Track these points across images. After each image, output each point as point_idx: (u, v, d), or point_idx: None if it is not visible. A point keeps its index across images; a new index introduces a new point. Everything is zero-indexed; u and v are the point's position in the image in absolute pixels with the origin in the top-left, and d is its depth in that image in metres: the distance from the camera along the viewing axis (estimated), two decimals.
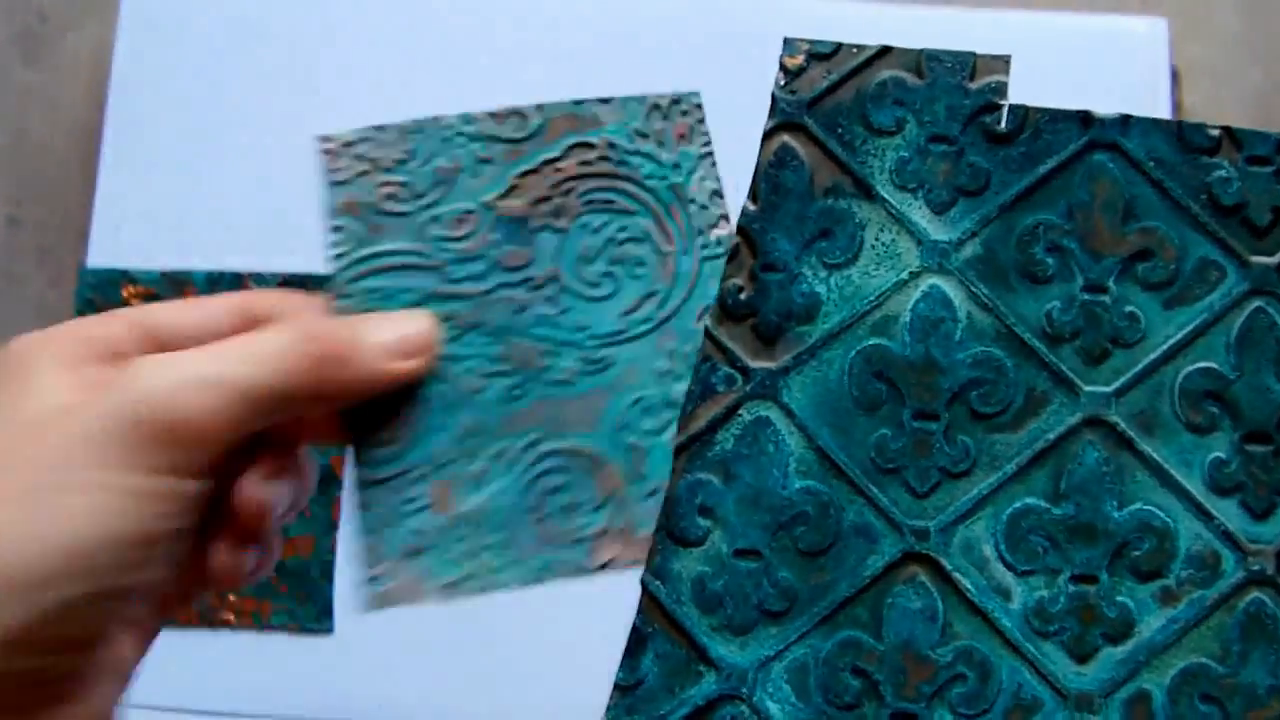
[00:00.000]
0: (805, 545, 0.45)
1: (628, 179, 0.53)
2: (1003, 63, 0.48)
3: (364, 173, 0.53)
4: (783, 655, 0.45)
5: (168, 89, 0.78)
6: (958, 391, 0.46)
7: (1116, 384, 0.46)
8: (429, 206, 0.53)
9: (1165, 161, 0.47)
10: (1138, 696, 0.44)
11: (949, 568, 0.45)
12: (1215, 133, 0.47)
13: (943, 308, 0.46)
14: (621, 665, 0.45)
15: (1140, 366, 0.46)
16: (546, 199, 0.52)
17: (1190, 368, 0.46)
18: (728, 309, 0.47)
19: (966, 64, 0.48)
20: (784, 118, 0.48)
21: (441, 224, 0.53)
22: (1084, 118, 0.47)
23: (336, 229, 0.53)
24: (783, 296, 0.47)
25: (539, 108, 0.54)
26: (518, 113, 0.54)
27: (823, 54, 0.49)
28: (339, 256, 0.52)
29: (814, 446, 0.46)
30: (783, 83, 0.48)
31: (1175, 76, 0.72)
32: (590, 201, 0.53)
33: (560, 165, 0.52)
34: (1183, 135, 0.47)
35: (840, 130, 0.48)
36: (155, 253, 0.76)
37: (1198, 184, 0.47)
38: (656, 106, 0.53)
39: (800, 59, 0.49)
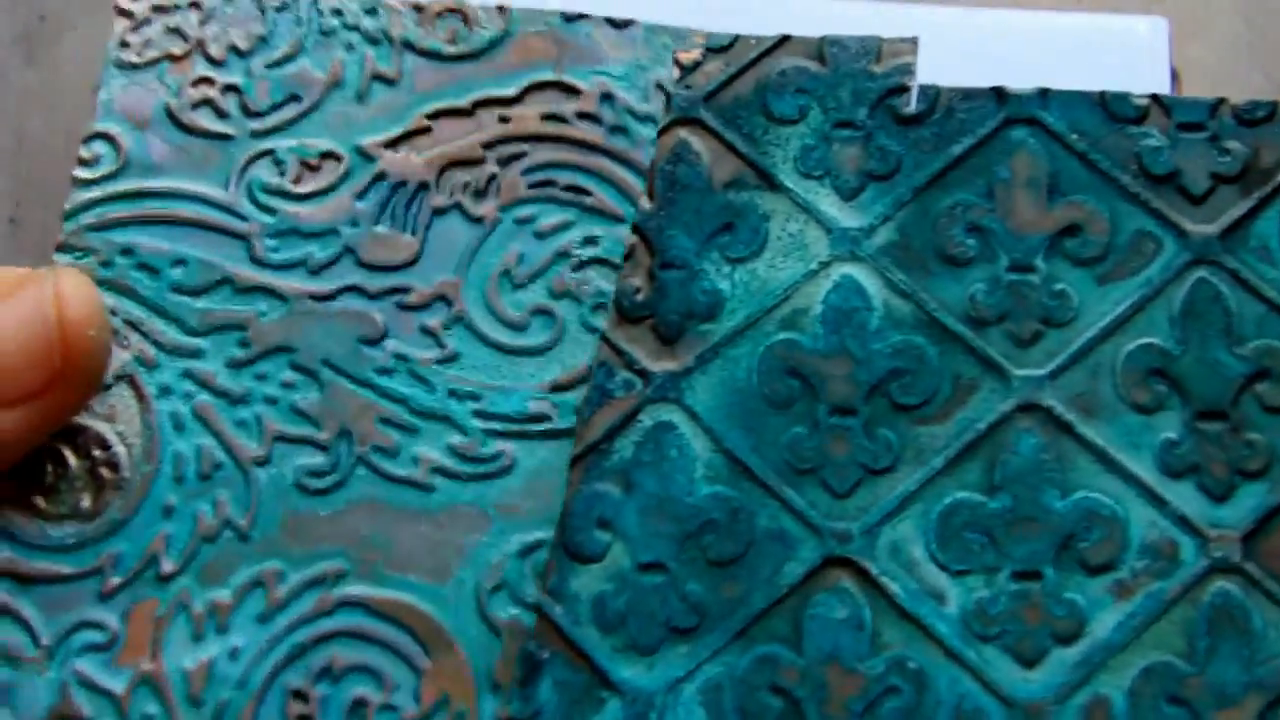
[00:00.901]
0: (715, 555, 0.41)
1: (621, 159, 0.47)
2: (909, 44, 0.45)
3: (173, 57, 0.45)
4: (694, 675, 0.40)
5: None
6: (876, 384, 0.42)
7: (1050, 366, 0.42)
8: (268, 133, 0.46)
9: (1089, 134, 0.44)
10: (1095, 702, 0.39)
11: (875, 572, 0.40)
12: (1142, 101, 0.44)
13: (857, 297, 0.43)
14: (514, 696, 0.40)
15: (1076, 346, 0.42)
16: (470, 163, 0.46)
17: (1131, 345, 0.42)
18: (624, 311, 0.43)
19: (871, 48, 0.45)
20: (679, 113, 0.45)
21: (280, 166, 0.46)
22: (999, 93, 0.44)
23: (97, 137, 0.45)
24: (683, 295, 0.43)
25: (500, 10, 0.47)
26: (461, 12, 0.47)
27: (720, 46, 0.46)
28: (85, 184, 0.45)
29: (722, 449, 0.41)
30: (677, 78, 0.45)
31: (1175, 76, 0.70)
32: (543, 184, 0.46)
33: (510, 113, 0.46)
34: (1107, 106, 0.44)
35: (740, 122, 0.45)
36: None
37: (1126, 154, 0.43)
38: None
39: (696, 53, 0.46)
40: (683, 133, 0.45)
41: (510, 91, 0.45)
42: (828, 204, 0.44)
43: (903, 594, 0.41)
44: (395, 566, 0.43)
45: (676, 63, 0.46)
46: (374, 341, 0.43)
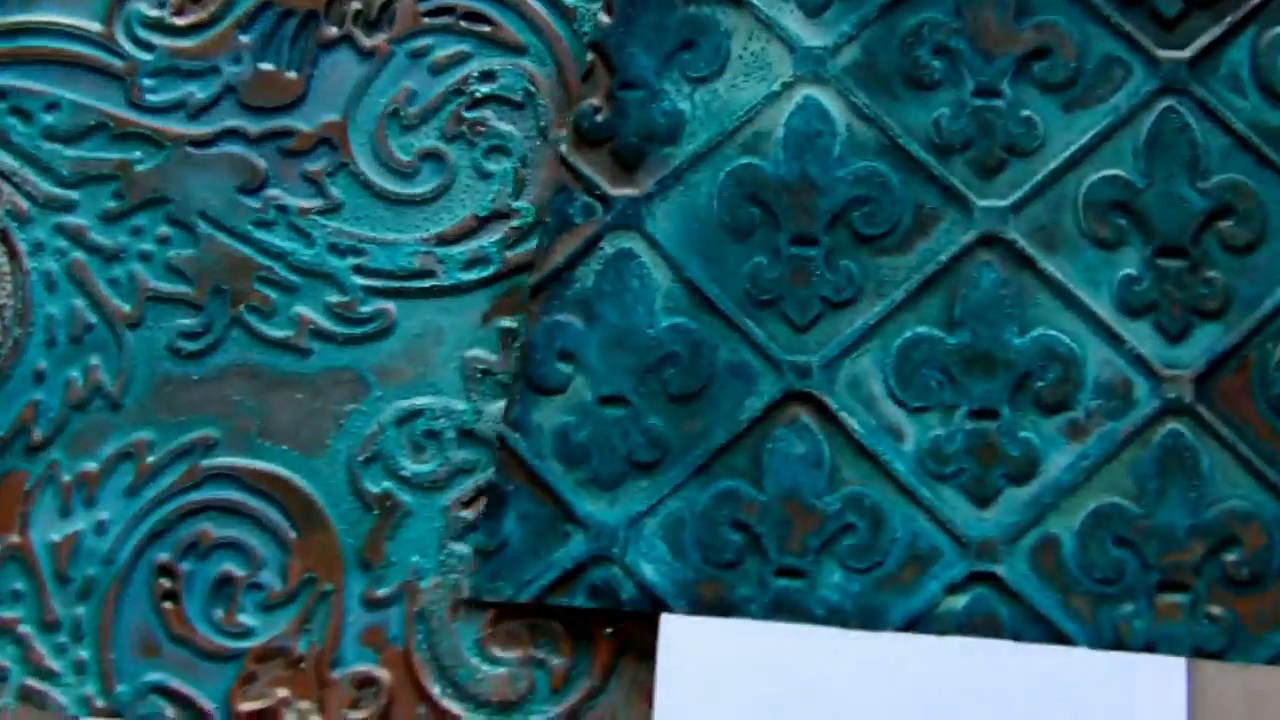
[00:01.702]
0: (676, 389, 0.41)
1: None
2: None
3: None
4: (655, 510, 0.40)
5: None
6: (838, 213, 0.41)
7: (1013, 197, 0.41)
8: None
9: None
10: (1044, 542, 0.40)
11: (834, 407, 0.40)
12: None
13: (819, 120, 0.42)
14: (481, 528, 0.40)
15: (1039, 177, 0.41)
16: None
17: (1095, 176, 0.41)
18: (583, 133, 0.42)
19: None
20: None
21: None
22: None
23: None
24: (643, 116, 0.42)
25: None
26: None
27: None
28: None
29: (682, 279, 0.41)
30: None
31: None
32: (441, 12, 0.44)
33: None
34: None
35: None
36: None
37: None
38: None
39: None
40: None
41: None
42: (791, 20, 0.43)
43: (861, 430, 0.41)
44: (268, 436, 0.42)
45: None
46: (253, 190, 0.42)
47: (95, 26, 0.42)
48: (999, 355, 0.41)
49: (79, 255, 0.39)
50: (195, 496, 0.40)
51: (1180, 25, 0.43)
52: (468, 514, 0.41)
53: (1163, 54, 0.42)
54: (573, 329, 0.41)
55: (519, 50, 0.42)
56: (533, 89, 0.41)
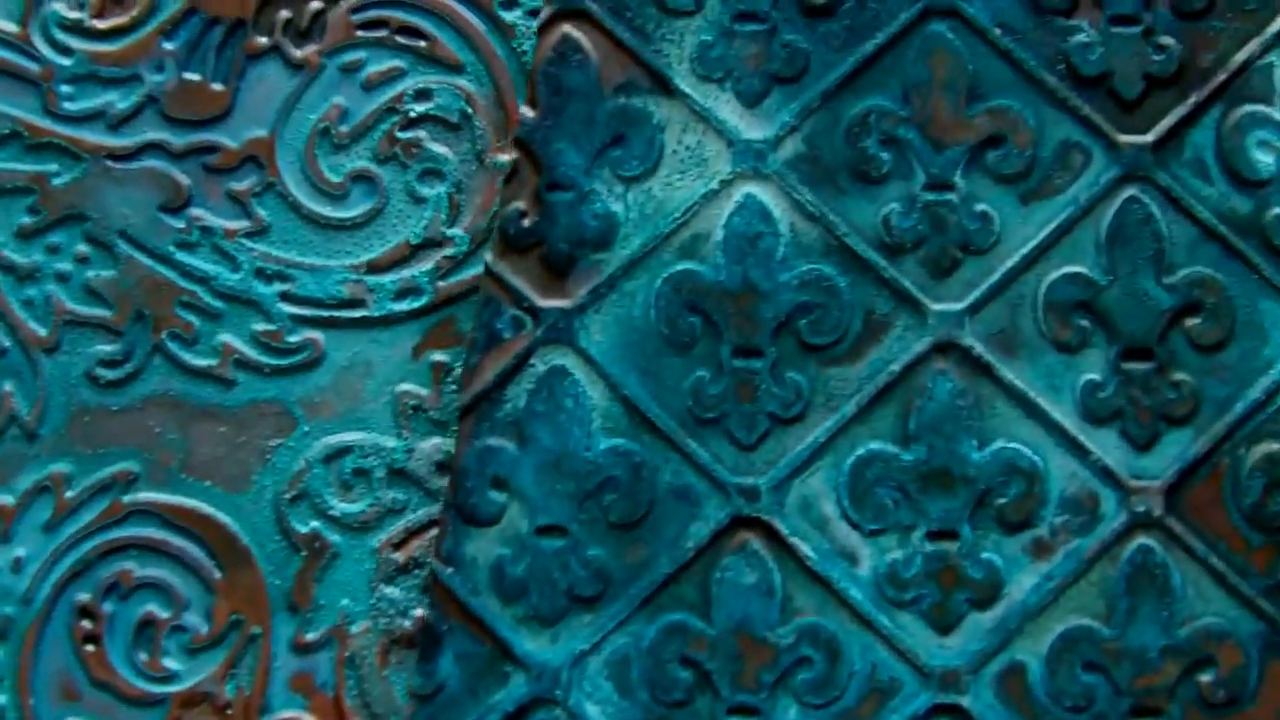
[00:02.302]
0: (617, 516, 0.38)
1: (475, 4, 0.42)
2: None
3: None
4: (600, 648, 0.38)
5: None
6: (784, 321, 0.39)
7: (969, 299, 0.39)
8: None
9: (1015, 27, 0.39)
10: (1010, 670, 0.38)
11: (785, 532, 0.38)
12: None
13: (761, 220, 0.39)
14: (417, 670, 0.38)
15: (996, 277, 0.39)
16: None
17: (1055, 274, 0.39)
18: (509, 239, 0.39)
19: None
20: (562, 3, 0.40)
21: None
22: None
23: None
24: (573, 219, 0.39)
25: None
26: None
27: None
28: None
29: (620, 397, 0.38)
30: None
31: None
32: (374, 25, 0.42)
33: None
34: None
35: (629, 14, 0.40)
36: None
37: (1054, 52, 0.39)
38: None
39: None
40: (567, 27, 0.41)
41: None
42: (728, 111, 0.40)
43: (814, 556, 0.39)
44: (191, 470, 0.40)
45: None
46: (176, 209, 0.40)
47: (10, 27, 0.40)
48: (957, 471, 0.39)
49: None
50: (116, 534, 0.39)
51: (1142, 106, 0.40)
52: (398, 556, 0.39)
53: (1124, 138, 0.40)
54: (505, 454, 0.39)
55: (456, 68, 0.39)
56: (470, 110, 0.39)
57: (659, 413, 0.39)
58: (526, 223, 0.39)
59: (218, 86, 0.39)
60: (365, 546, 0.40)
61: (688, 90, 0.40)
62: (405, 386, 0.40)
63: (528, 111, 0.40)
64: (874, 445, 0.39)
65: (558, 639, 0.39)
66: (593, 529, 0.39)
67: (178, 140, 0.39)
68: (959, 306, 0.39)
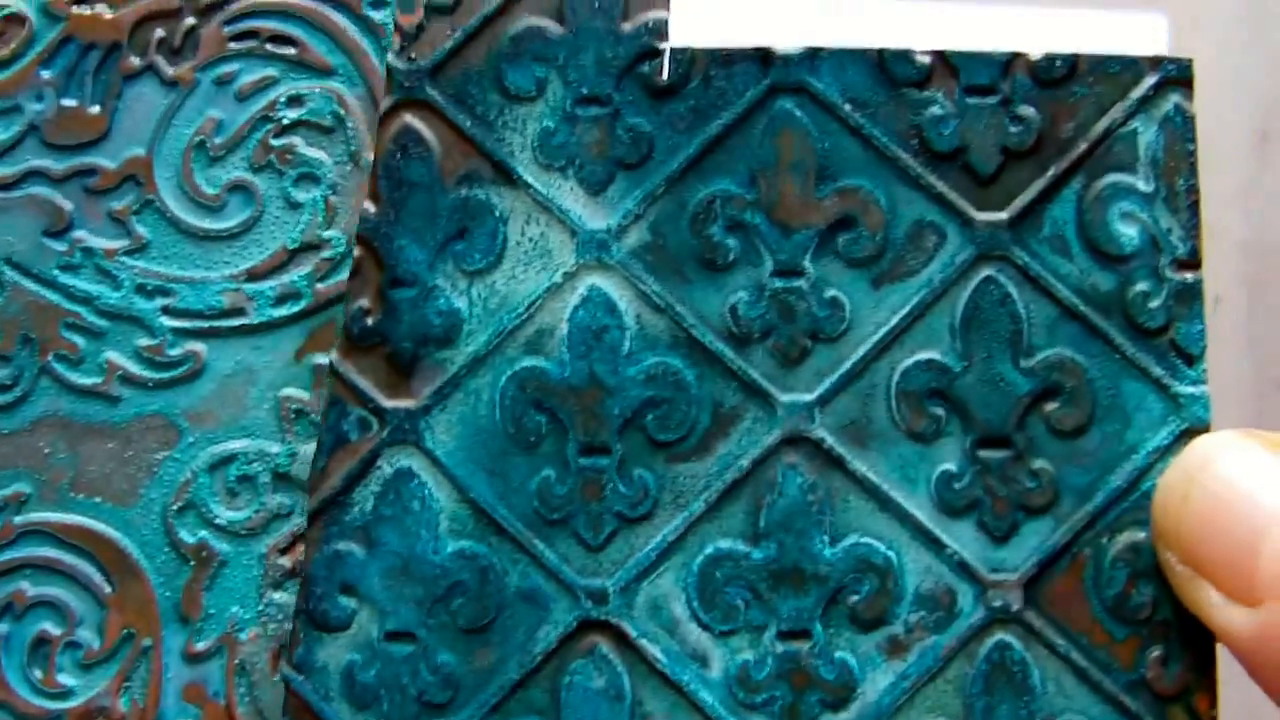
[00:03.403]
0: (465, 621, 0.38)
1: (343, 6, 0.41)
2: None
3: None
4: None
5: None
6: (630, 417, 0.38)
7: (819, 390, 0.38)
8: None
9: (865, 101, 0.38)
10: None
11: (634, 635, 0.37)
12: (925, 59, 0.39)
13: (606, 313, 0.38)
14: None
15: (847, 366, 0.38)
16: (166, 15, 0.41)
17: (908, 361, 0.38)
18: (353, 338, 0.38)
19: (616, 2, 0.39)
20: (402, 93, 0.39)
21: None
22: (764, 55, 0.38)
23: None
24: (416, 317, 0.38)
25: None
26: None
27: (443, 6, 0.39)
28: None
29: (467, 499, 0.38)
30: (399, 47, 0.39)
31: None
32: (246, 35, 0.41)
33: None
34: (884, 66, 0.38)
35: (471, 101, 0.39)
36: None
37: (906, 127, 0.38)
38: None
39: (417, 15, 0.39)
40: (408, 117, 0.40)
41: None
42: (571, 200, 0.39)
43: (664, 658, 0.38)
44: (81, 488, 0.40)
45: (397, 29, 0.40)
46: (59, 233, 0.40)
47: None
48: (809, 569, 0.38)
49: None
50: (9, 555, 0.39)
51: (999, 181, 0.39)
52: (285, 561, 0.39)
53: (979, 216, 0.38)
54: (353, 559, 0.38)
55: (326, 71, 0.39)
56: (342, 112, 0.39)
57: (506, 514, 0.39)
58: (370, 321, 0.39)
59: (94, 110, 0.39)
60: (253, 553, 0.40)
61: (530, 179, 0.39)
62: (288, 391, 0.40)
63: (369, 206, 0.39)
64: (723, 544, 0.38)
65: None
66: (441, 634, 0.38)
67: (58, 165, 0.39)
68: (809, 397, 0.38)
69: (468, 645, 0.38)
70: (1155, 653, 0.37)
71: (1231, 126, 0.74)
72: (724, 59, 0.39)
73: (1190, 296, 0.38)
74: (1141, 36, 0.67)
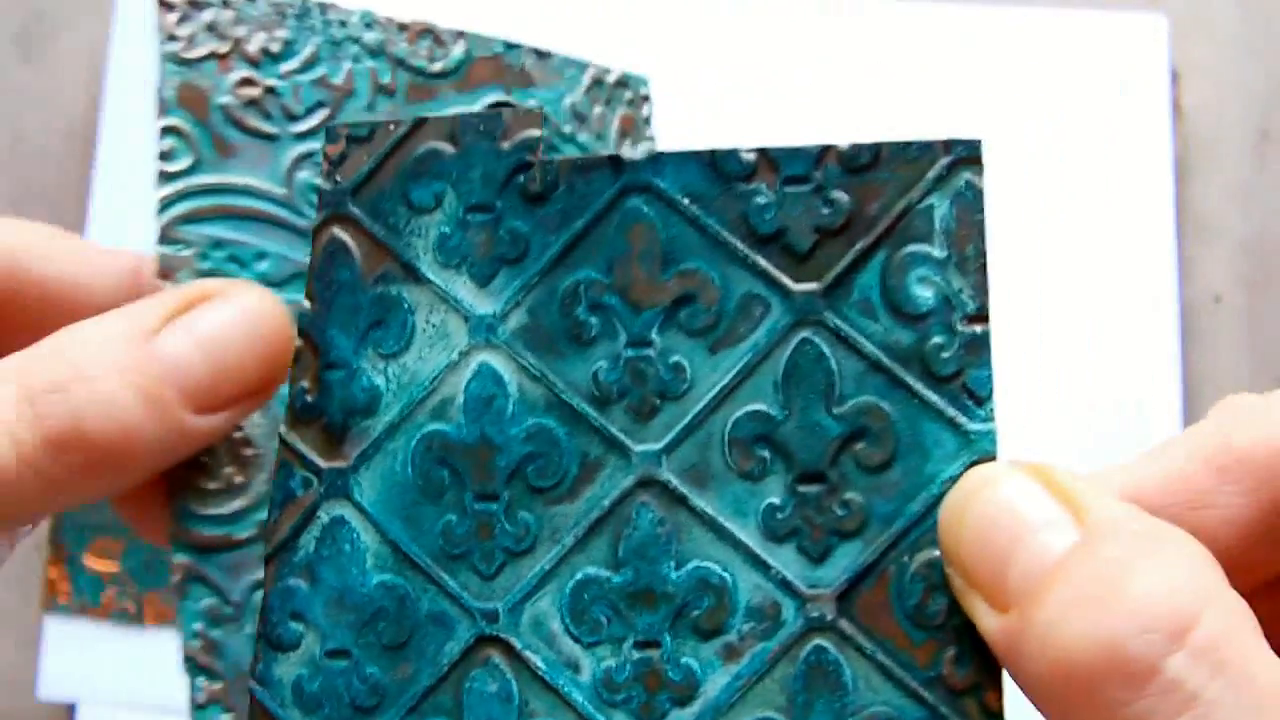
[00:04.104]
0: (388, 640, 0.46)
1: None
2: (535, 116, 0.47)
3: (217, 55, 0.44)
4: None
5: None
6: (515, 469, 0.46)
7: (665, 439, 0.45)
8: (303, 136, 0.49)
9: (701, 195, 0.46)
10: None
11: (519, 647, 0.45)
12: (750, 157, 0.46)
13: (493, 384, 0.46)
14: None
15: (688, 419, 0.45)
16: None
17: (739, 413, 0.45)
18: (297, 413, 0.47)
19: (497, 125, 0.47)
20: (330, 210, 0.48)
21: (317, 168, 0.47)
22: (614, 162, 0.46)
23: (170, 131, 0.44)
24: (345, 394, 0.47)
25: (460, 35, 0.48)
26: (433, 33, 0.47)
27: (361, 136, 0.48)
28: (170, 177, 0.46)
29: (387, 540, 0.46)
30: (327, 172, 0.48)
31: (1175, 77, 0.71)
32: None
33: None
34: (716, 164, 0.46)
35: (385, 214, 0.48)
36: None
37: (736, 215, 0.46)
38: (599, 82, 0.47)
39: (341, 145, 0.48)
40: (335, 229, 0.49)
41: (475, 109, 0.48)
42: (464, 291, 0.48)
43: (544, 665, 0.46)
44: None
45: (325, 157, 0.49)
46: None
47: (279, 190, 0.48)
48: (659, 589, 0.45)
49: None
50: None
51: (814, 256, 0.46)
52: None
53: (797, 287, 0.46)
54: (300, 592, 0.47)
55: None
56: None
57: (418, 551, 0.47)
58: (310, 399, 0.48)
59: None
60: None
61: (431, 276, 0.48)
62: None
63: (307, 304, 0.48)
64: (590, 570, 0.46)
65: None
66: (369, 651, 0.47)
67: None
68: (657, 446, 0.46)
69: (390, 660, 0.47)
70: (949, 653, 0.44)
71: (1231, 126, 0.77)
72: (582, 166, 0.47)
73: (979, 346, 0.44)
74: (1142, 37, 0.72)
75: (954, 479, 0.44)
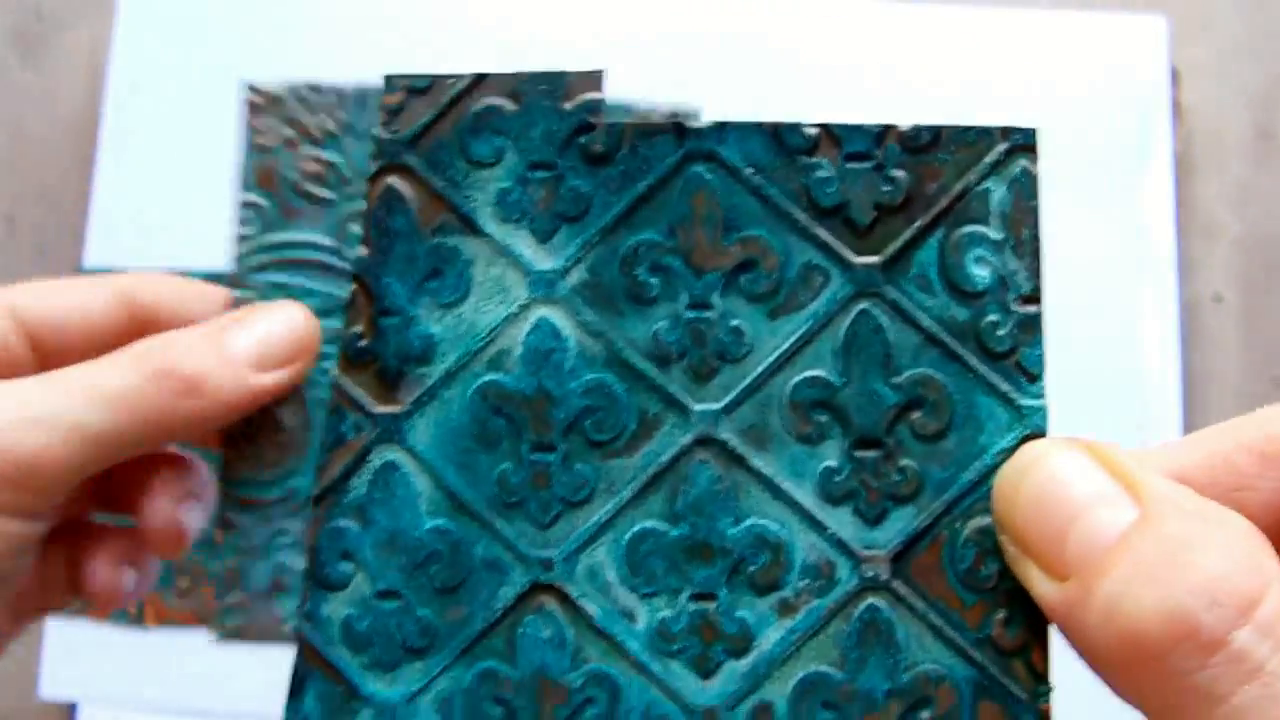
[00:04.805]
0: (440, 583, 0.47)
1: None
2: (595, 79, 0.48)
3: (290, 142, 0.50)
4: (429, 689, 0.47)
5: (165, 87, 0.77)
6: (572, 422, 0.47)
7: (725, 400, 0.46)
8: (354, 199, 0.51)
9: (764, 166, 0.47)
10: (760, 708, 0.46)
11: (575, 595, 0.47)
12: (813, 131, 0.47)
13: (552, 338, 0.47)
14: (287, 706, 0.47)
15: (748, 381, 0.46)
16: None
17: (798, 378, 0.46)
18: (350, 357, 0.47)
19: (560, 85, 0.48)
20: (388, 159, 0.48)
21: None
22: (679, 129, 0.47)
23: (249, 205, 0.51)
24: (400, 340, 0.47)
25: None
26: None
27: (420, 89, 0.48)
28: (244, 239, 0.50)
29: (441, 486, 0.47)
30: (384, 122, 0.48)
31: (1175, 76, 0.72)
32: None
33: None
34: (779, 137, 0.47)
35: (443, 166, 0.48)
36: (152, 252, 0.75)
37: (797, 186, 0.47)
38: None
39: (400, 96, 0.48)
40: (391, 179, 0.49)
41: None
42: (524, 247, 0.48)
43: (599, 614, 0.47)
44: None
45: (383, 107, 0.49)
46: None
47: (330, 241, 0.52)
48: (716, 544, 0.47)
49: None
50: None
51: (874, 231, 0.47)
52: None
53: (857, 260, 0.47)
54: (350, 533, 0.47)
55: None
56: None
57: (473, 498, 0.48)
58: (363, 344, 0.48)
59: None
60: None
61: (491, 230, 0.48)
62: None
63: (362, 250, 0.48)
64: (647, 524, 0.47)
65: (396, 681, 0.48)
66: (420, 593, 0.48)
67: None
68: (717, 406, 0.47)
69: (442, 603, 0.48)
70: (999, 616, 0.46)
71: (1231, 126, 0.79)
72: (646, 131, 0.48)
73: (1032, 326, 0.47)
74: (1142, 37, 0.74)
75: (1007, 451, 0.46)
